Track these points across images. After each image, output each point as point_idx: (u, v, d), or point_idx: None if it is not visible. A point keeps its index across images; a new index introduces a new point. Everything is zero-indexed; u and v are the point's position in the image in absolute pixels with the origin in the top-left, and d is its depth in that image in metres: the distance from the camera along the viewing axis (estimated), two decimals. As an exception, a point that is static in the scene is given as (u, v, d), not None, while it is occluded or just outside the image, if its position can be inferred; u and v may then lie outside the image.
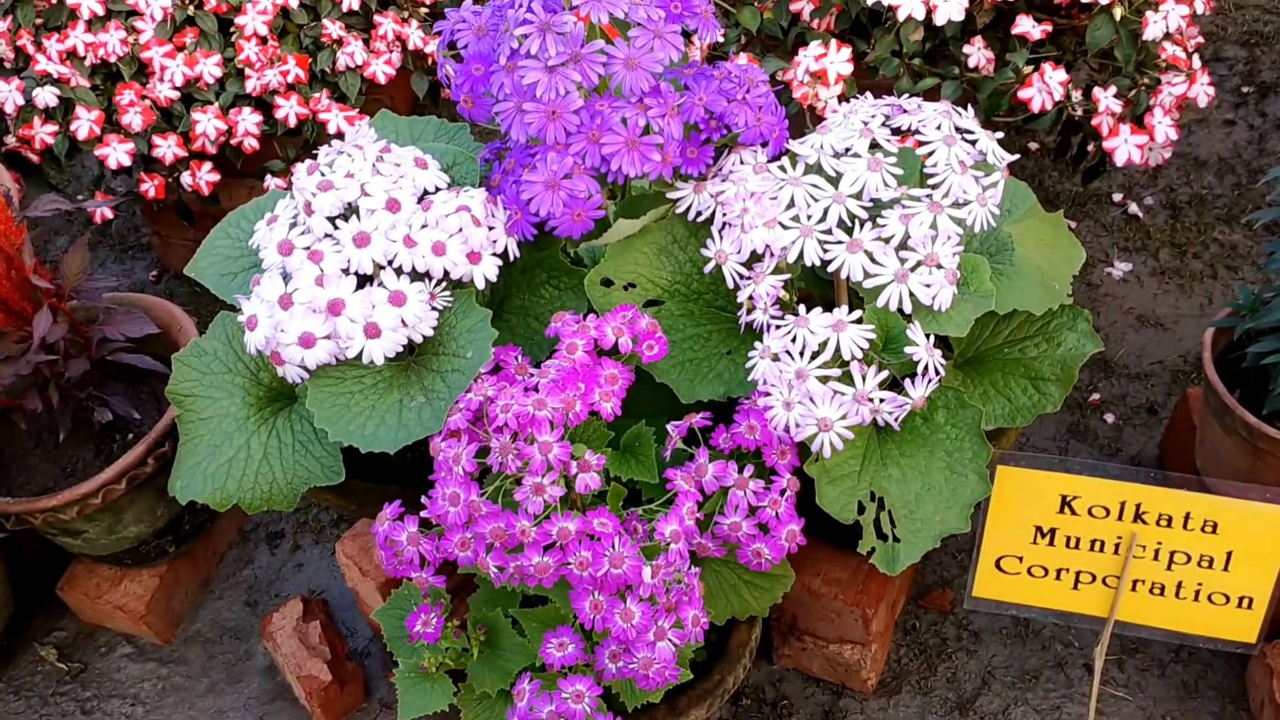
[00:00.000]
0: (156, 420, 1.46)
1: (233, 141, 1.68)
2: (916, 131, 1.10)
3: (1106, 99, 1.42)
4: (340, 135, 1.72)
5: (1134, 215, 2.08)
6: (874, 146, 1.10)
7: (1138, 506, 1.13)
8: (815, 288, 1.17)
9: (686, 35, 1.12)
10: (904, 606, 1.56)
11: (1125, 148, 1.43)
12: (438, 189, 1.12)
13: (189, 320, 1.51)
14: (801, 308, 1.03)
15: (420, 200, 1.10)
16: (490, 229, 1.09)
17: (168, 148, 1.67)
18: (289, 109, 1.69)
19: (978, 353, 1.21)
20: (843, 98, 1.41)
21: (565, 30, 1.03)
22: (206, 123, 1.65)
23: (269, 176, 1.76)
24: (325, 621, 1.52)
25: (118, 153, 1.65)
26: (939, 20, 1.37)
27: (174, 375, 1.17)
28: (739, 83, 1.11)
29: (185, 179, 1.70)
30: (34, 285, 1.29)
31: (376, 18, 1.78)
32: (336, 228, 1.08)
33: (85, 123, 1.65)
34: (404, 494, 1.06)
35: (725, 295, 1.16)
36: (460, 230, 1.06)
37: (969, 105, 1.52)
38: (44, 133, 1.66)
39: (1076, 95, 1.47)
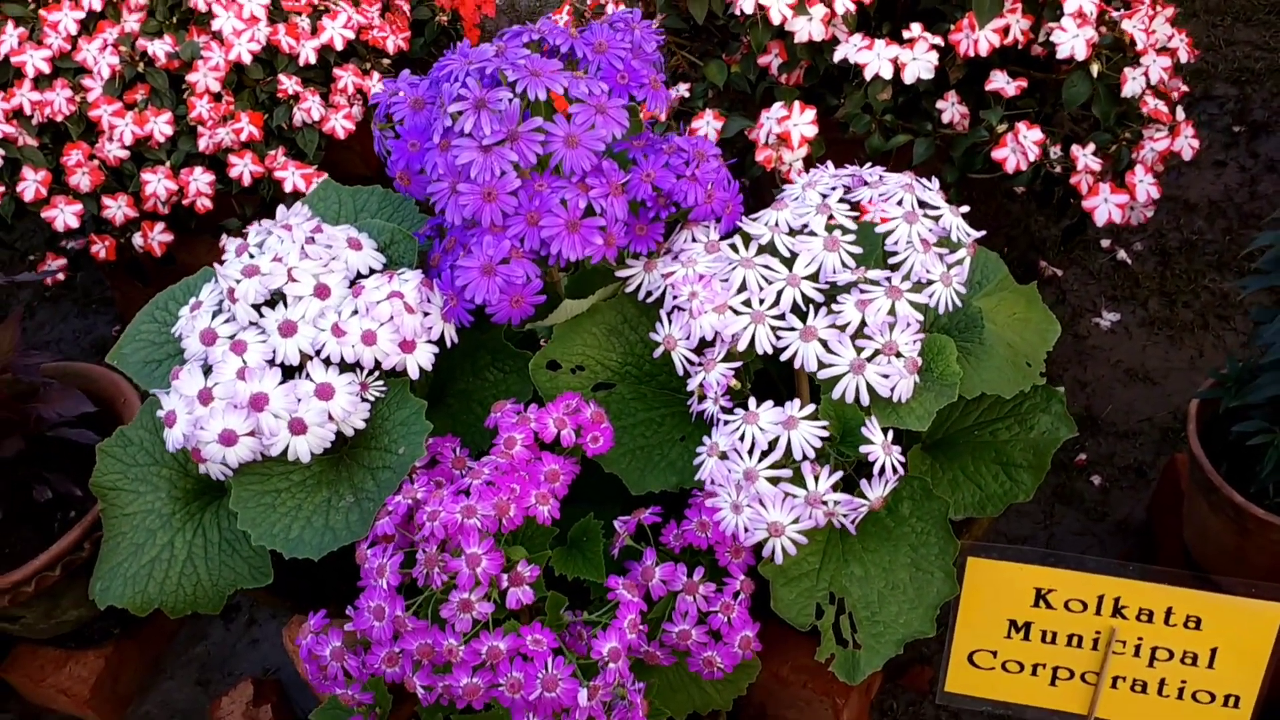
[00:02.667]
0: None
1: (185, 202, 1.62)
2: (877, 206, 1.04)
3: (1085, 157, 1.36)
4: (298, 193, 1.66)
5: (1123, 262, 2.02)
6: (832, 225, 1.04)
7: (1116, 600, 1.06)
8: (776, 369, 1.11)
9: (638, 104, 1.07)
10: (880, 685, 1.49)
11: (1105, 207, 1.37)
12: (371, 271, 1.06)
13: (134, 393, 1.45)
14: (752, 401, 0.96)
15: (352, 284, 1.04)
16: (425, 315, 1.03)
17: (118, 208, 1.62)
18: (243, 167, 1.63)
19: (947, 434, 1.15)
20: (809, 159, 1.35)
21: (500, 108, 0.97)
22: (157, 183, 1.60)
23: (225, 236, 1.70)
24: (277, 704, 1.46)
25: (65, 214, 1.60)
26: (908, 79, 1.31)
27: (98, 467, 1.11)
28: (688, 158, 1.05)
29: (137, 240, 1.65)
30: (-40, 366, 1.23)
31: (336, 71, 1.72)
32: (262, 315, 1.02)
33: (32, 184, 1.59)
34: (343, 594, 1.00)
35: (680, 377, 1.10)
36: (392, 318, 1.00)
37: (943, 162, 1.47)
38: (-10, 194, 1.61)
39: (1055, 151, 1.41)
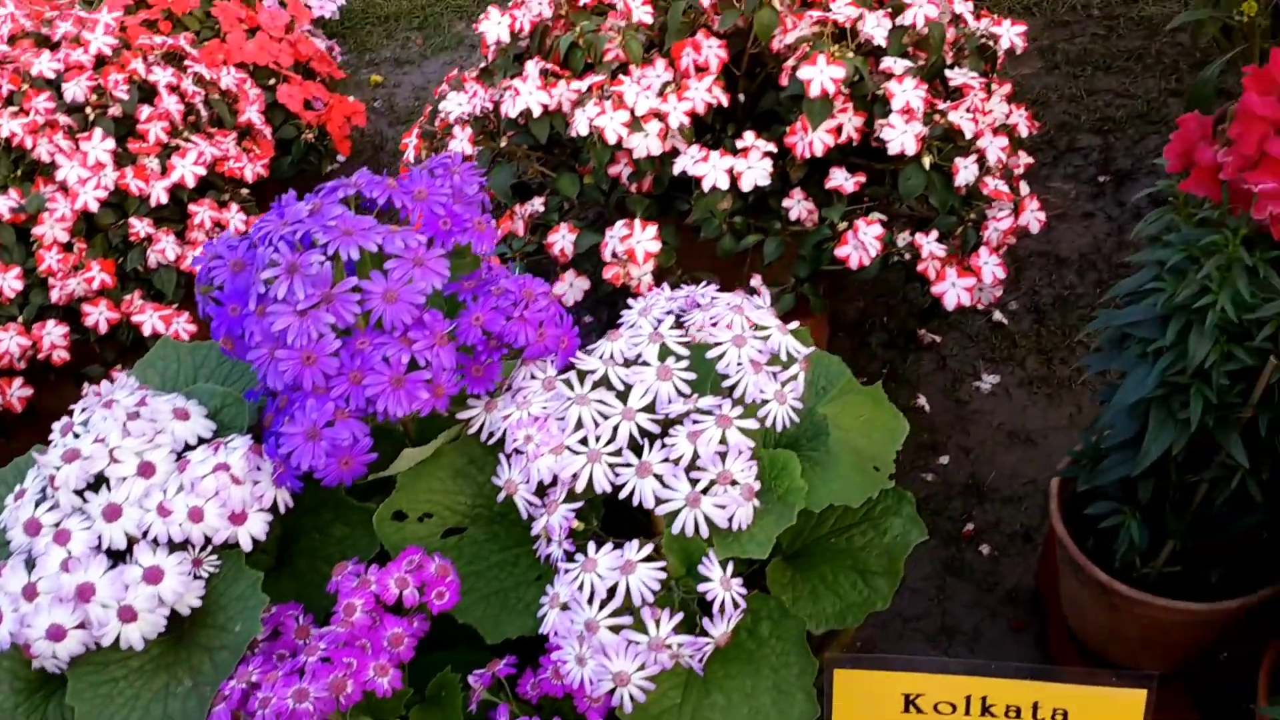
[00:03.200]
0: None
1: (40, 356, 1.59)
2: (707, 331, 1.05)
3: (929, 244, 1.38)
4: (157, 336, 1.63)
5: (999, 322, 2.06)
6: (665, 352, 1.04)
7: (984, 700, 1.06)
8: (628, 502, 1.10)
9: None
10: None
11: (954, 291, 1.39)
12: (200, 440, 1.04)
13: None
14: (591, 546, 0.95)
15: (180, 457, 1.02)
16: (256, 483, 1.01)
17: (-30, 368, 1.57)
18: (98, 315, 1.60)
19: (805, 544, 1.14)
20: (657, 271, 1.36)
21: (312, 272, 0.96)
22: (9, 341, 1.56)
23: (86, 384, 1.66)
24: None
25: (-88, 379, 1.55)
26: (745, 187, 1.33)
27: (-68, 664, 1.06)
28: (516, 299, 1.04)
29: (-8, 398, 1.60)
30: None
31: (191, 207, 1.70)
32: (86, 500, 0.99)
33: (-124, 350, 1.55)
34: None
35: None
36: (218, 493, 0.98)
37: (795, 259, 1.49)
38: None
39: (904, 237, 1.43)
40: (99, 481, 1.00)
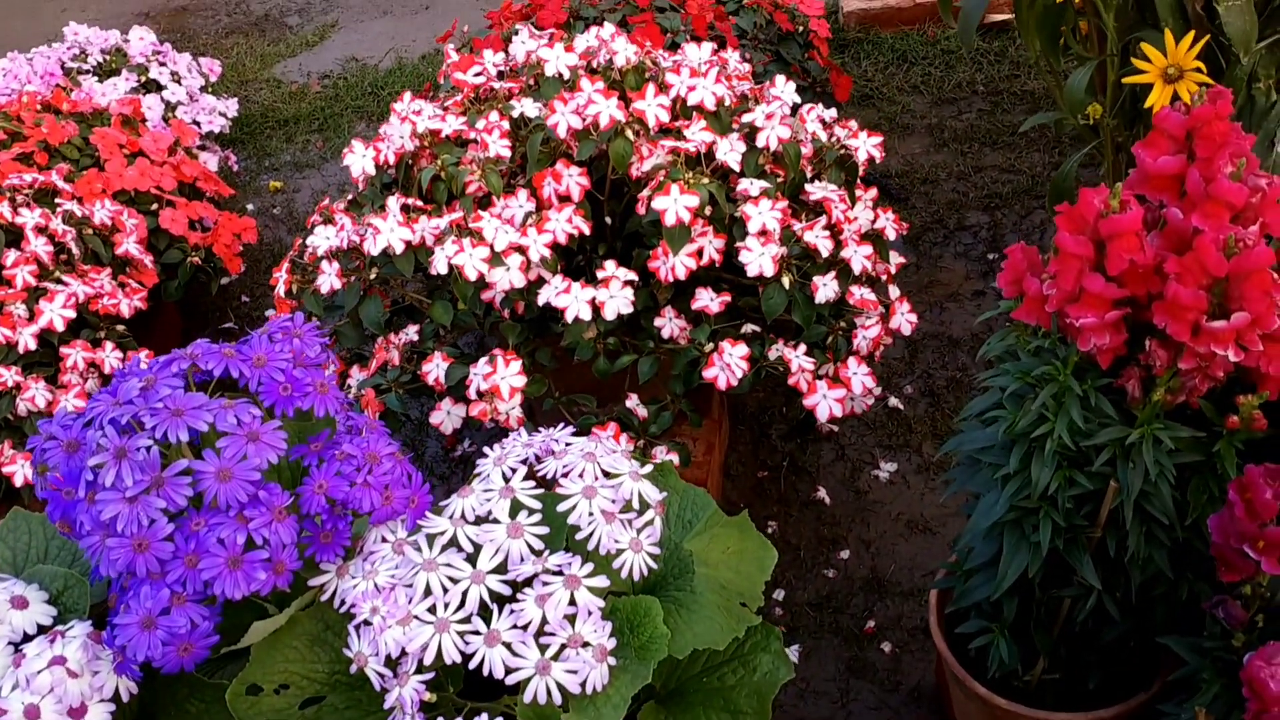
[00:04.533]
0: None
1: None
2: (556, 482, 1.04)
3: (798, 358, 1.39)
4: (29, 485, 1.59)
5: (895, 408, 2.08)
6: (517, 506, 1.03)
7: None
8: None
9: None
10: None
11: (825, 403, 1.40)
12: (40, 629, 1.01)
13: None
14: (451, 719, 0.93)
15: (17, 650, 0.98)
16: (95, 673, 0.98)
17: None
18: (-40, 470, 1.56)
19: (679, 684, 1.13)
20: (539, 398, 1.35)
21: (139, 458, 0.94)
22: None
23: (-43, 539, 1.61)
24: None
25: None
26: (608, 316, 1.33)
27: None
28: (359, 464, 1.03)
29: None
30: None
31: (63, 349, 1.67)
32: (-85, 704, 0.95)
33: None
34: None
35: (393, 678, 1.06)
36: (53, 688, 0.95)
37: (669, 377, 1.49)
38: None
39: (777, 348, 1.44)
40: (-72, 685, 0.96)
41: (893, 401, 2.08)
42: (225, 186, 2.36)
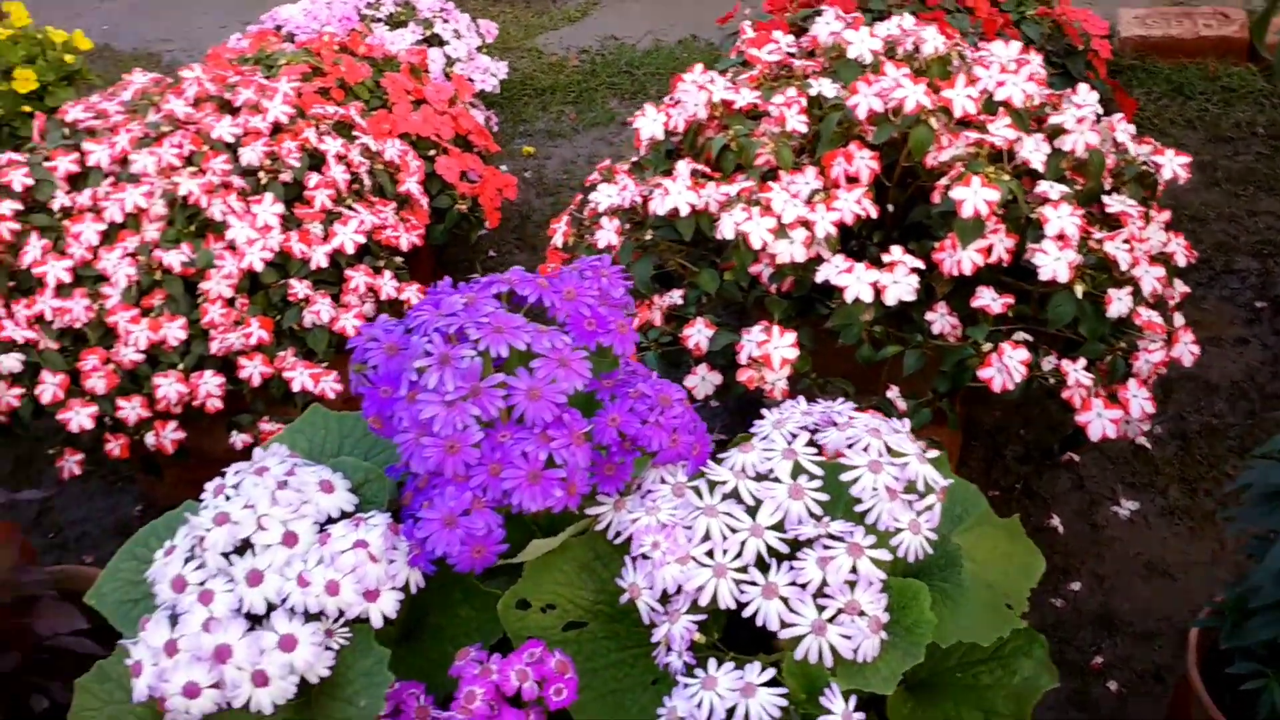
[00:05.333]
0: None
1: (194, 403, 1.67)
2: (842, 452, 1.04)
3: (1076, 372, 1.35)
4: (305, 392, 1.70)
5: (1142, 446, 1.99)
6: (798, 469, 1.04)
7: None
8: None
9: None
10: None
11: (1099, 423, 1.35)
12: (343, 514, 1.08)
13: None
14: (712, 663, 0.95)
15: (322, 529, 1.05)
16: (391, 562, 1.04)
17: (131, 409, 1.66)
18: (253, 369, 1.68)
19: (929, 676, 1.11)
20: (793, 376, 1.36)
21: (463, 365, 0.99)
22: (168, 387, 1.65)
23: (235, 432, 1.74)
24: None
25: (80, 416, 1.65)
26: (889, 301, 1.33)
27: (76, 702, 1.11)
28: (653, 404, 1.06)
29: (149, 439, 1.69)
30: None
31: (348, 272, 1.78)
32: (231, 563, 1.03)
33: (50, 387, 1.65)
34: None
35: (651, 619, 1.09)
36: (356, 568, 1.01)
37: (935, 373, 1.47)
38: (9, 396, 1.67)
39: (1049, 361, 1.40)
40: (245, 546, 1.04)
41: (1140, 439, 1.98)
42: (493, 143, 2.46)
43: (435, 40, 2.70)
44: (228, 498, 1.08)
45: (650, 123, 1.57)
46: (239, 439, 1.74)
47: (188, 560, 1.05)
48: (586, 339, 1.07)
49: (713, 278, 1.52)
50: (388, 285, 1.81)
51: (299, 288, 1.72)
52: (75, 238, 1.68)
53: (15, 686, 1.39)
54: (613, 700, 1.06)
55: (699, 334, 1.48)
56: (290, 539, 1.03)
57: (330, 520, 1.07)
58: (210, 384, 1.66)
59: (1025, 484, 1.94)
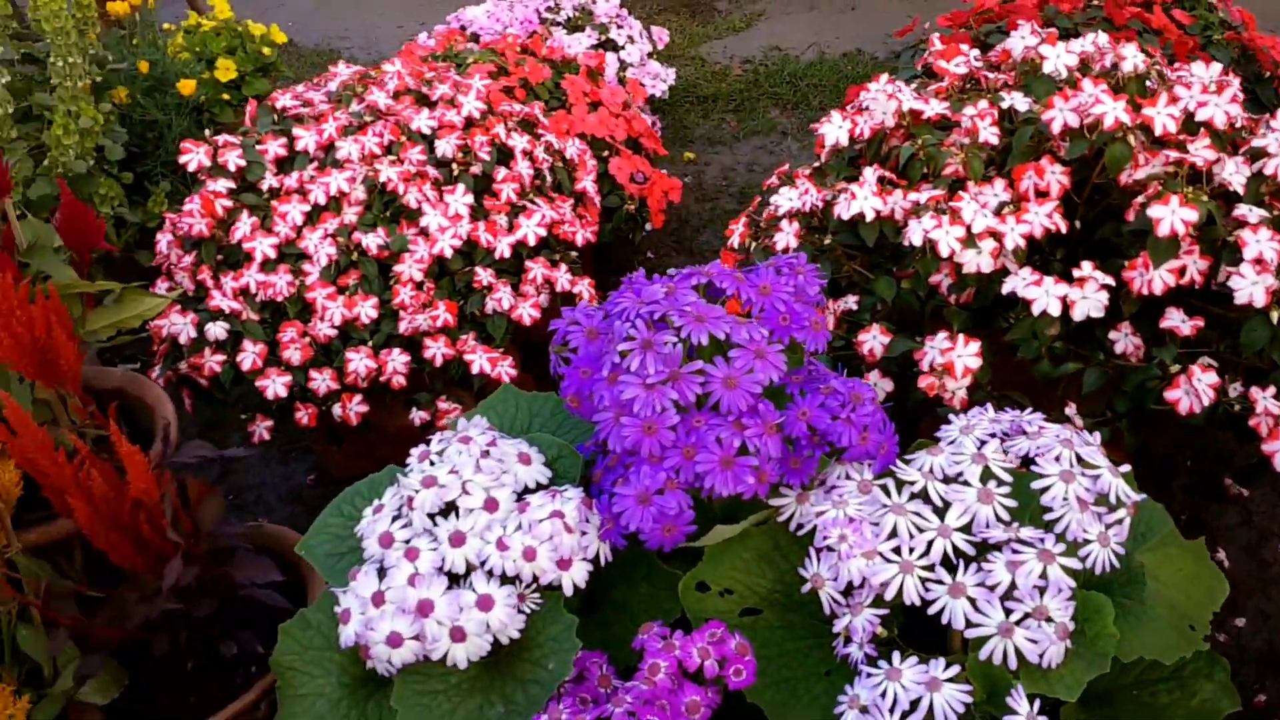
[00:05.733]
0: (279, 654, 1.51)
1: (381, 379, 1.76)
2: (1033, 461, 1.05)
3: (1265, 400, 1.32)
4: (483, 374, 1.78)
5: (1318, 484, 1.91)
6: (987, 474, 1.05)
7: None
8: (925, 614, 1.10)
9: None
10: None
11: (1289, 453, 1.32)
12: (538, 485, 1.13)
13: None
14: (896, 656, 0.97)
15: (519, 498, 1.11)
16: (584, 534, 1.09)
17: (322, 381, 1.77)
18: (436, 350, 1.76)
19: (1107, 688, 1.11)
20: (973, 387, 1.36)
21: (665, 351, 1.04)
22: (359, 362, 1.74)
23: (415, 409, 1.83)
24: None
25: (276, 385, 1.76)
26: (1076, 316, 1.32)
27: (279, 645, 1.20)
28: (844, 399, 1.08)
29: (336, 410, 1.79)
30: (168, 533, 1.36)
31: (528, 263, 1.85)
32: (436, 524, 1.10)
33: (250, 355, 1.76)
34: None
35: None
36: (552, 537, 1.07)
37: (1115, 392, 1.45)
38: (213, 361, 1.79)
39: (1235, 388, 1.37)
40: (448, 509, 1.11)
41: (1317, 478, 1.92)
42: (661, 146, 2.52)
43: (610, 45, 2.77)
44: (432, 463, 1.15)
45: (835, 129, 1.60)
46: (417, 415, 1.83)
47: (395, 519, 1.12)
48: (780, 334, 1.10)
49: (890, 285, 1.53)
50: (563, 278, 1.87)
51: (483, 275, 1.80)
52: (282, 217, 1.80)
53: (209, 632, 1.49)
54: (786, 688, 1.09)
55: (874, 340, 1.50)
56: (491, 505, 1.09)
57: (526, 490, 1.13)
58: (397, 361, 1.75)
59: (1192, 515, 1.89)
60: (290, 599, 1.53)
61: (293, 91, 1.99)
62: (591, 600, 1.19)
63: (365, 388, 1.79)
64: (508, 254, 1.82)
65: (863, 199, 1.44)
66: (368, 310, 1.76)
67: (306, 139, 1.85)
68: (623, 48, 2.74)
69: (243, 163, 1.84)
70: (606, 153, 2.28)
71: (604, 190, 2.25)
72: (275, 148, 1.87)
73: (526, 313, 1.82)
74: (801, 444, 1.08)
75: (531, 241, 1.84)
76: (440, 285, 1.81)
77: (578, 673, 1.06)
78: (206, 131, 2.09)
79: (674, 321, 1.06)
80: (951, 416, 1.14)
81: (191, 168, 1.84)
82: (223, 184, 1.82)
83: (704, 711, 1.00)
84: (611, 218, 2.28)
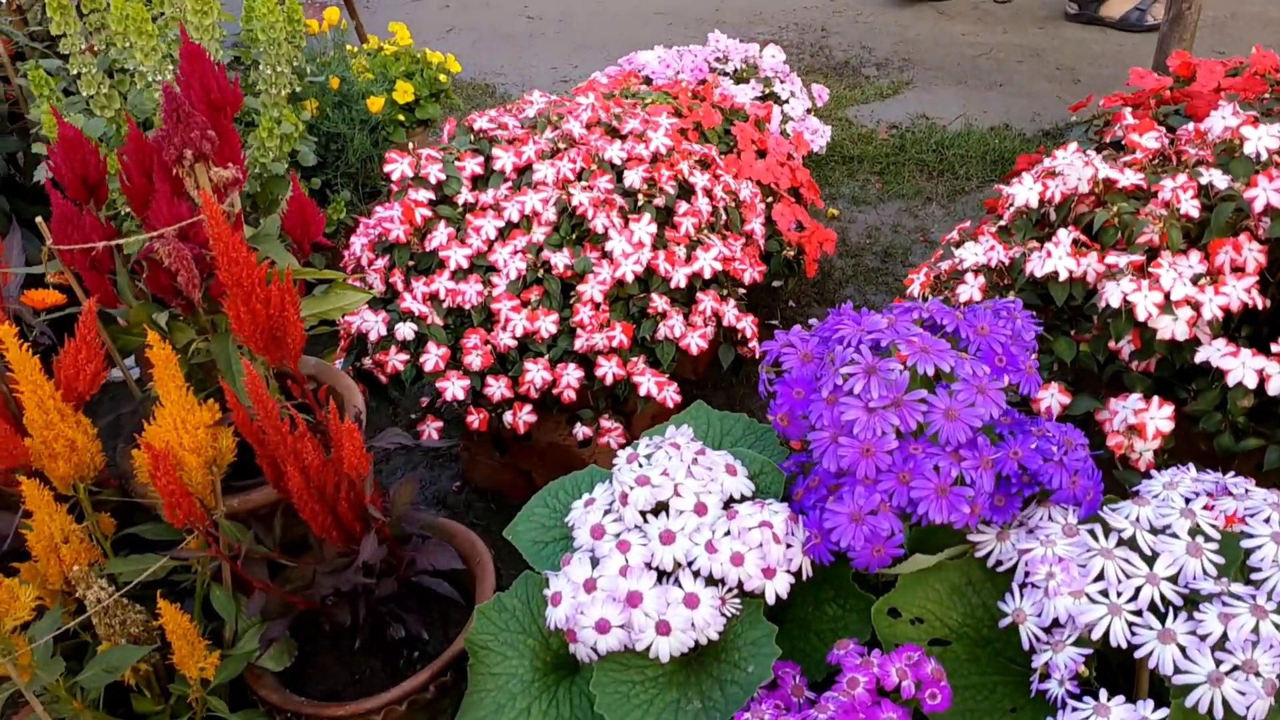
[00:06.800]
0: (441, 643, 1.57)
1: (554, 391, 1.83)
2: (1242, 520, 1.06)
3: None
4: (649, 398, 1.84)
5: None
6: (1196, 529, 1.07)
7: None
8: (1116, 657, 1.12)
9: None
10: None
11: None
12: (743, 497, 1.18)
13: (488, 555, 1.62)
14: (1103, 693, 0.99)
15: (726, 507, 1.16)
16: (788, 546, 1.13)
17: (498, 388, 1.84)
18: (608, 369, 1.83)
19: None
20: (1159, 451, 1.38)
21: (891, 377, 1.08)
22: (535, 373, 1.82)
23: (579, 424, 1.89)
24: None
25: (455, 387, 1.84)
26: (1271, 390, 1.33)
27: (475, 625, 1.26)
28: (1057, 443, 1.11)
29: (507, 417, 1.86)
30: (367, 511, 1.44)
31: (699, 294, 1.91)
32: (646, 521, 1.15)
33: (433, 357, 1.85)
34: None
35: (1016, 647, 1.14)
36: (760, 545, 1.11)
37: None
38: (397, 360, 1.88)
39: None
40: (658, 508, 1.16)
41: None
42: (819, 199, 2.58)
43: (773, 98, 2.85)
44: (640, 465, 1.21)
45: (1025, 190, 1.64)
46: (581, 431, 1.89)
47: (606, 512, 1.17)
48: (996, 373, 1.14)
49: (1069, 346, 1.56)
50: (730, 313, 1.93)
51: (659, 302, 1.86)
52: (476, 230, 1.89)
53: (383, 612, 1.56)
54: (971, 719, 1.11)
55: (1052, 398, 1.52)
56: (701, 509, 1.14)
57: (731, 500, 1.18)
58: (571, 376, 1.82)
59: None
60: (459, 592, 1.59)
61: (487, 115, 2.09)
62: (773, 617, 1.23)
63: (535, 399, 1.86)
64: (683, 284, 1.88)
65: (1057, 258, 1.48)
66: (548, 325, 1.84)
67: (504, 159, 1.95)
68: (786, 101, 2.81)
69: (442, 176, 1.95)
70: (769, 199, 2.34)
71: (767, 234, 2.31)
72: (473, 165, 1.97)
73: (695, 342, 1.88)
74: (1012, 482, 1.12)
75: (707, 274, 1.90)
76: (614, 308, 1.88)
77: (770, 680, 1.10)
78: (406, 145, 2.21)
79: (900, 350, 1.10)
80: (1154, 473, 1.16)
81: (395, 176, 1.95)
82: (424, 194, 1.92)
83: (900, 729, 1.03)
84: (769, 262, 2.34)
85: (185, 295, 1.52)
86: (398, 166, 1.95)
